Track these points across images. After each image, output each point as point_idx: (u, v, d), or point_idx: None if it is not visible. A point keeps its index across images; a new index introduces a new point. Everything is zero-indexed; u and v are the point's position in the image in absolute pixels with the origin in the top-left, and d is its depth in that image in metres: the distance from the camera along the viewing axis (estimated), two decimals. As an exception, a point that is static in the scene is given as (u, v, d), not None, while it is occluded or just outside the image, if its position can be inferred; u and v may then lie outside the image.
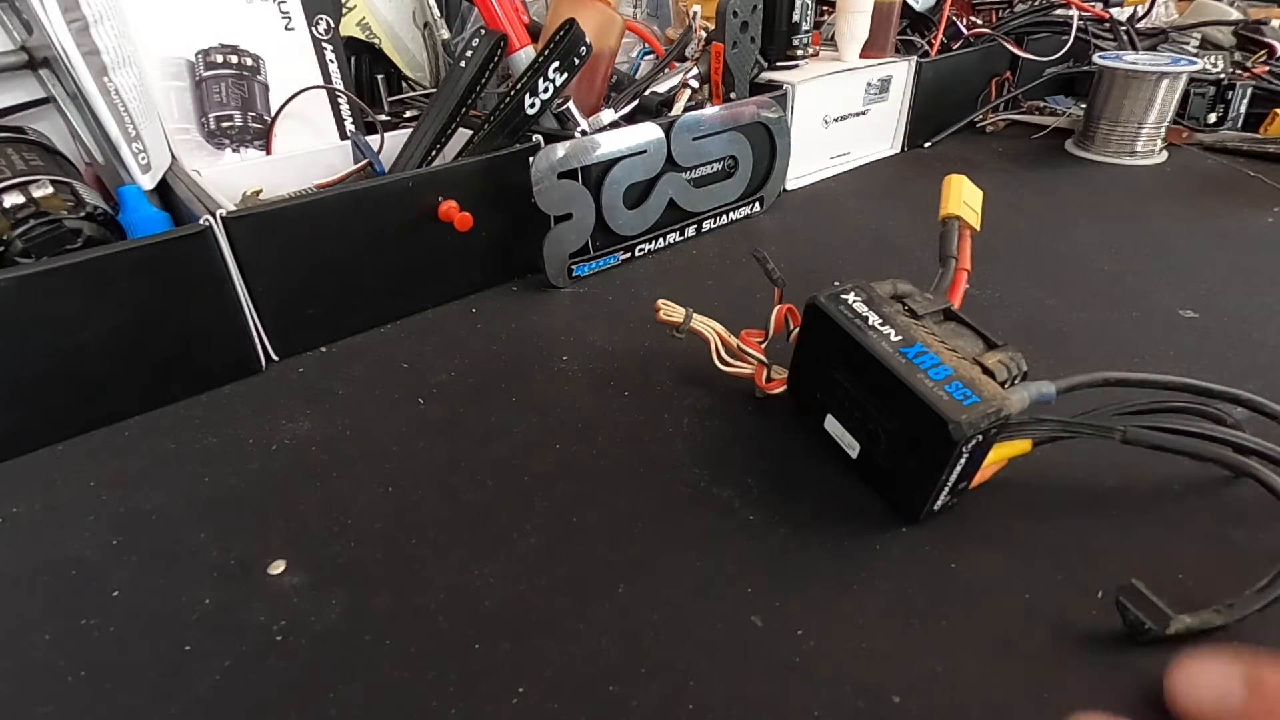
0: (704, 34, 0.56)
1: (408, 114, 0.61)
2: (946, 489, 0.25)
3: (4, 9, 0.42)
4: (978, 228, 0.33)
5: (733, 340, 0.33)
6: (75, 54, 0.37)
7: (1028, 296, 0.42)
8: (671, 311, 0.33)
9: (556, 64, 0.43)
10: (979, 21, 0.77)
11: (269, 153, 0.51)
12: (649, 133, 0.44)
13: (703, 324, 0.33)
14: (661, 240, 0.49)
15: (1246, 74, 0.68)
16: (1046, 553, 0.26)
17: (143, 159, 0.41)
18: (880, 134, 0.67)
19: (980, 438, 0.24)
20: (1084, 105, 0.67)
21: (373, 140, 0.50)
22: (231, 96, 0.49)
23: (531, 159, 0.40)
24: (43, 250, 0.34)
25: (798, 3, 0.55)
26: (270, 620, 0.24)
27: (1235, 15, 0.75)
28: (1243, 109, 0.67)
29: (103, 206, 0.36)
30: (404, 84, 0.66)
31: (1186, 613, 0.22)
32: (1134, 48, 0.68)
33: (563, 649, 0.23)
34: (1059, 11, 0.72)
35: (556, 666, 0.22)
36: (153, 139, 0.42)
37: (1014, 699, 0.21)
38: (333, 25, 0.52)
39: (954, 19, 0.71)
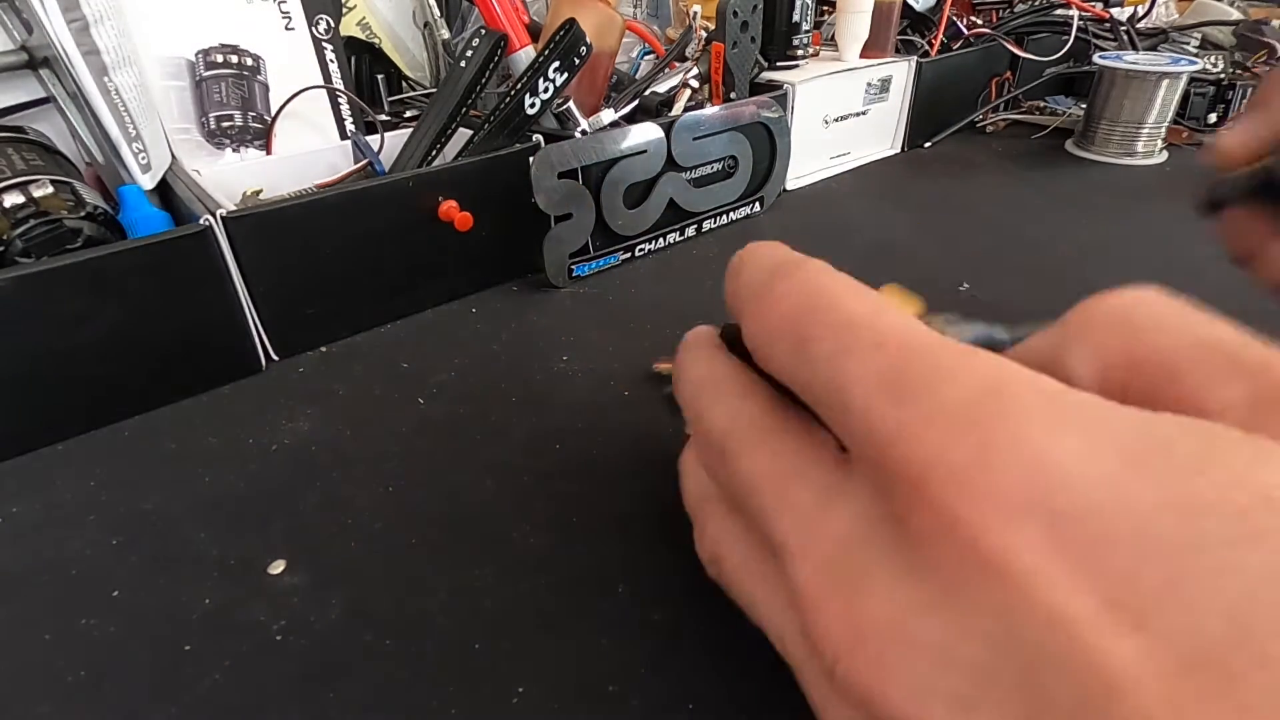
0: (704, 34, 0.56)
1: (408, 114, 0.61)
2: None
3: (4, 9, 0.42)
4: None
5: None
6: (75, 54, 0.37)
7: (1028, 297, 0.42)
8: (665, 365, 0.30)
9: (556, 64, 0.43)
10: (979, 21, 0.77)
11: (269, 153, 0.51)
12: (649, 133, 0.44)
13: None
14: (661, 240, 0.49)
15: (1246, 74, 0.68)
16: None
17: (143, 159, 0.41)
18: (880, 134, 0.67)
19: None
20: (1084, 105, 0.67)
21: (373, 140, 0.50)
22: (231, 96, 0.49)
23: (531, 159, 0.40)
24: (43, 250, 0.34)
25: (798, 3, 0.55)
26: (270, 620, 0.24)
27: (1235, 15, 0.75)
28: (1243, 109, 0.67)
29: (103, 206, 0.36)
30: (404, 84, 0.66)
31: None
32: (1134, 48, 0.68)
33: (563, 649, 0.23)
34: (1059, 11, 0.72)
35: (556, 666, 0.22)
36: (153, 139, 0.42)
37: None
38: (333, 25, 0.53)
39: (954, 19, 0.71)
